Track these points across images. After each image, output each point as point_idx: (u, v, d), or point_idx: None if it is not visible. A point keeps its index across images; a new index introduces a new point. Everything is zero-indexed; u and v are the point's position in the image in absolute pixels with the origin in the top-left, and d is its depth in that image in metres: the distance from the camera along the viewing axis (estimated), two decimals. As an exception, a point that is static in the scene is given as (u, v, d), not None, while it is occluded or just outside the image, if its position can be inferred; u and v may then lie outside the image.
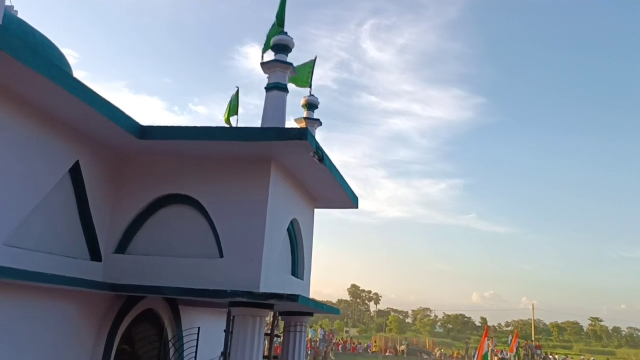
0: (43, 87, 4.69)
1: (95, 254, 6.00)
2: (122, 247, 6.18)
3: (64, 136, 5.52)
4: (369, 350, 45.54)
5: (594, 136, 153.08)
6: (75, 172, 5.80)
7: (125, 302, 6.33)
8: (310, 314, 7.67)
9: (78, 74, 5.59)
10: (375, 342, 51.85)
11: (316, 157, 6.06)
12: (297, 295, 5.70)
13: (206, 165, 6.31)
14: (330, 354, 34.67)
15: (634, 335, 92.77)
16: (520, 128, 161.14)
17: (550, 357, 43.23)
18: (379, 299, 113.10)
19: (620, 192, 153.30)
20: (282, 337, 7.87)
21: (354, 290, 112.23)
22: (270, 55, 6.71)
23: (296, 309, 7.16)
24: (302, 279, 7.59)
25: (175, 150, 6.26)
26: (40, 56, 4.53)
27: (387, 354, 41.60)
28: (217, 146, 5.98)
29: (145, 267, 6.01)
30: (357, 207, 8.58)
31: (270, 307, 5.89)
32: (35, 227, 5.22)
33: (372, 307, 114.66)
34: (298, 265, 7.58)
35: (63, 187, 5.66)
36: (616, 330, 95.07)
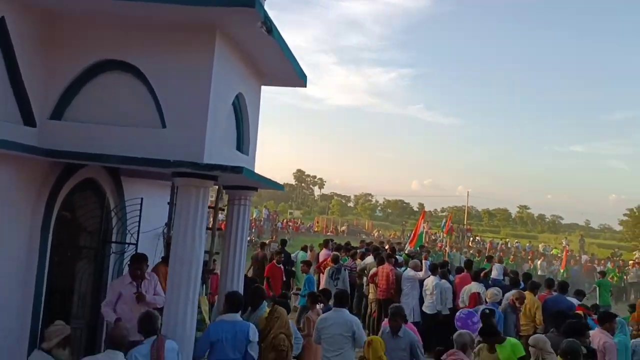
0: None
1: (28, 119, 5.71)
2: (57, 113, 5.89)
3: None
4: (311, 230, 47.52)
5: (550, 28, 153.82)
6: (0, 31, 5.35)
7: (63, 169, 6.19)
8: (255, 189, 7.78)
9: None
10: (317, 222, 54.07)
11: (264, 28, 5.79)
12: (241, 168, 5.73)
13: (147, 32, 5.93)
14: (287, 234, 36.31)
15: (556, 222, 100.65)
16: (475, 18, 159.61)
17: (478, 239, 46.60)
18: (324, 184, 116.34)
19: (566, 89, 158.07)
20: (225, 211, 8.02)
21: (300, 175, 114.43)
22: None
23: (240, 183, 7.23)
24: (247, 154, 7.59)
25: (112, 13, 5.81)
26: None
27: (328, 233, 43.55)
28: (158, 10, 5.57)
29: (84, 135, 5.80)
30: (305, 86, 8.43)
31: (214, 178, 5.90)
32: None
33: (317, 191, 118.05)
34: (243, 140, 7.53)
35: (-12, 46, 5.24)
36: (541, 217, 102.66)
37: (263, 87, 8.15)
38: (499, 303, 9.71)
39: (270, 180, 7.22)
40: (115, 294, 6.38)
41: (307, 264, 12.90)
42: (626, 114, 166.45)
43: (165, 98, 5.83)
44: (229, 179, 6.52)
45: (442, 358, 6.35)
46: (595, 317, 9.27)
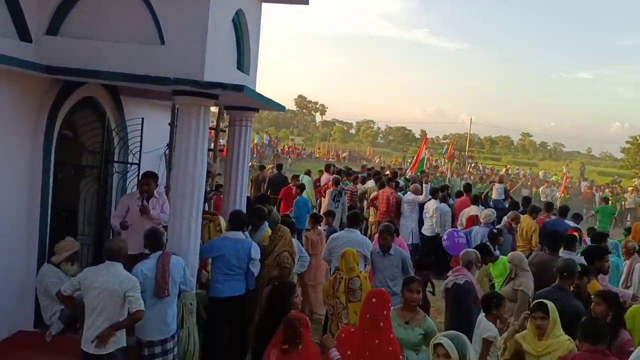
0: None
1: (24, 34, 5.58)
2: (53, 28, 5.73)
3: None
4: (312, 156, 47.66)
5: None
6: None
7: (62, 87, 6.11)
8: (256, 110, 7.73)
9: None
10: (319, 149, 54.11)
11: (264, -62, 5.55)
12: (242, 86, 5.66)
13: (143, -58, 5.68)
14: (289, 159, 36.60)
15: (558, 150, 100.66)
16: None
17: (480, 166, 46.83)
18: (325, 110, 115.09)
19: (575, 14, 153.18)
20: (227, 132, 8.00)
21: (301, 101, 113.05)
22: None
23: (241, 103, 7.17)
24: (248, 74, 7.47)
25: None
26: None
27: (329, 159, 43.70)
28: None
29: (82, 51, 5.68)
30: (307, 3, 8.16)
31: (214, 97, 5.83)
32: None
33: (318, 118, 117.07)
34: (244, 59, 7.39)
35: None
36: (543, 145, 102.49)
37: (264, 6, 7.90)
38: (493, 224, 9.89)
39: (271, 100, 7.14)
40: (124, 208, 6.55)
41: (299, 187, 13.03)
42: (636, 40, 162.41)
43: (163, 13, 5.65)
44: (229, 98, 6.45)
45: (447, 274, 6.58)
46: (586, 238, 9.52)
